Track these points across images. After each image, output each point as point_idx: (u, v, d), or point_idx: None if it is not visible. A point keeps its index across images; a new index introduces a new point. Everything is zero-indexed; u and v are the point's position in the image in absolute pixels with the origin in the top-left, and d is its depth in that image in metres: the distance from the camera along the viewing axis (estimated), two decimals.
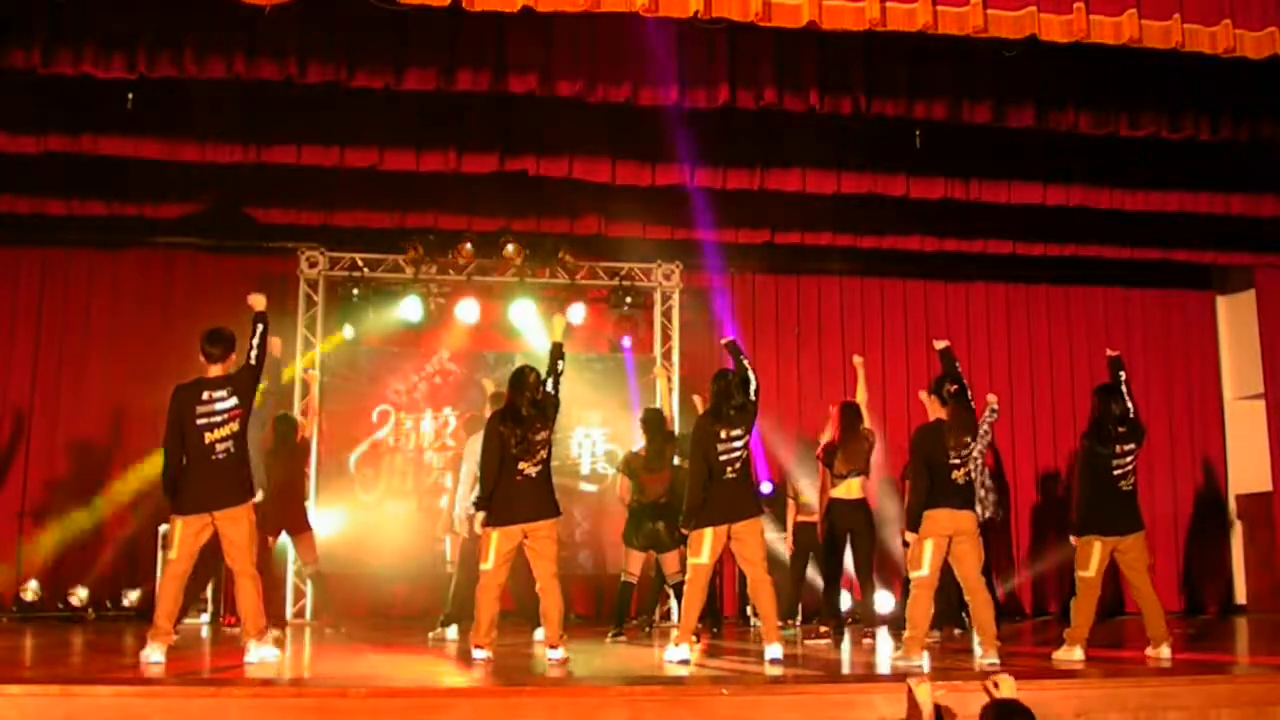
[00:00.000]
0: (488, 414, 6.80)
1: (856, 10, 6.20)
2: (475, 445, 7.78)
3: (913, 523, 6.28)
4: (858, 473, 7.82)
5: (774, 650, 6.01)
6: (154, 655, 5.65)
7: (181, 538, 5.80)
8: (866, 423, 7.93)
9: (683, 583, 7.00)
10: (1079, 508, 6.59)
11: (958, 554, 6.20)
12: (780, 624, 7.73)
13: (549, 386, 6.26)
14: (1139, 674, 5.70)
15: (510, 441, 6.08)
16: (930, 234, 10.31)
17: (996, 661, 5.86)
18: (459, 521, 7.84)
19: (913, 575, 6.35)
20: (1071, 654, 6.29)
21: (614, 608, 8.35)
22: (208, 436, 5.79)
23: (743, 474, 6.22)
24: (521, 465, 6.10)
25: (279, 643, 6.70)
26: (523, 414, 6.13)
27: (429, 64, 7.24)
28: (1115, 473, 6.42)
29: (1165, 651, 6.29)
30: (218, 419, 5.81)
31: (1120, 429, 6.45)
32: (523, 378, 6.23)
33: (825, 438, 8.06)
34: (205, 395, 5.83)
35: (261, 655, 5.85)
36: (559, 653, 6.05)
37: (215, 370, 5.93)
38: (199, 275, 10.81)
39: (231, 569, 5.96)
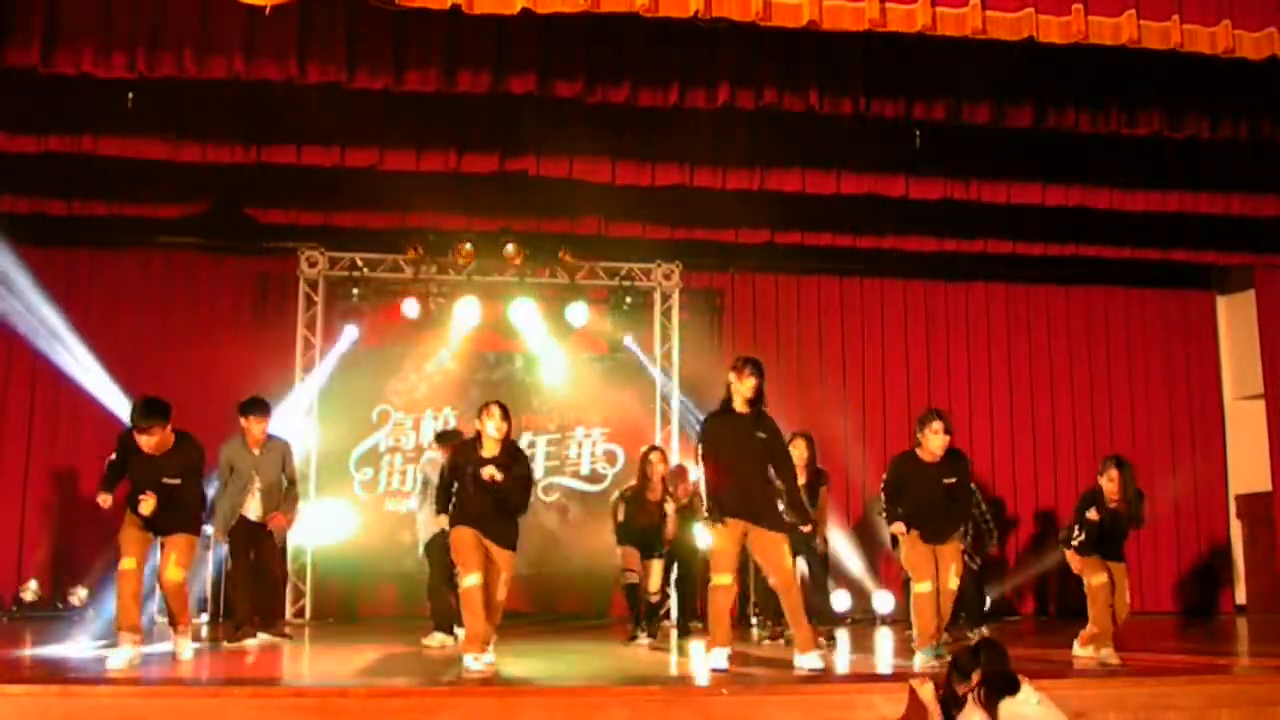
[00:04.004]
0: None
1: (856, 10, 6.20)
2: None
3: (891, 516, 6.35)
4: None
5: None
6: (185, 652, 6.07)
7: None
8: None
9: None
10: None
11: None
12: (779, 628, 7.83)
13: None
14: (1139, 674, 5.70)
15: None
16: (930, 234, 10.31)
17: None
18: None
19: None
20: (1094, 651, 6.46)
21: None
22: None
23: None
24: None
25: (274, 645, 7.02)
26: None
27: (429, 64, 7.23)
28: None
29: (1099, 651, 6.39)
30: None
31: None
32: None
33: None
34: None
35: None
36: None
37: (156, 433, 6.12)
38: (199, 275, 10.81)
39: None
